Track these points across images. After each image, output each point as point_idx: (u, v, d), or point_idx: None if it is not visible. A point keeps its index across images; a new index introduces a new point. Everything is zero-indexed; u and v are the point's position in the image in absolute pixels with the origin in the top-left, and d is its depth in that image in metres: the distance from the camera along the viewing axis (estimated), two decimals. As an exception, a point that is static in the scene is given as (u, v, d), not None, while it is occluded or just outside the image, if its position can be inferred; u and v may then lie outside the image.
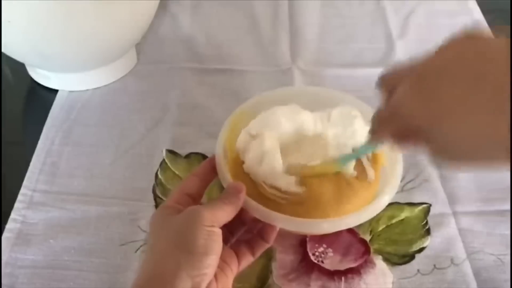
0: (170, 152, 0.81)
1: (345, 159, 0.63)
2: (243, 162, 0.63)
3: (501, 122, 0.37)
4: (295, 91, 0.70)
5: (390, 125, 0.48)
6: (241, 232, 0.62)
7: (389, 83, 0.48)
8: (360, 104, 0.68)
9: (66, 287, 0.66)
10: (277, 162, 0.60)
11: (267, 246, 0.60)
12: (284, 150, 0.64)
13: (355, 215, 0.58)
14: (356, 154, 0.64)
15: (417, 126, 0.44)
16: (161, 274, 0.49)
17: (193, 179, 0.60)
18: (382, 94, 0.50)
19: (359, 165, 0.63)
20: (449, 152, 0.44)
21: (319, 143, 0.66)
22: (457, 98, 0.40)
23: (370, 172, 0.63)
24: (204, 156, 0.80)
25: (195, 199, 0.59)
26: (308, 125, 0.67)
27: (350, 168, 0.63)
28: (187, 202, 0.57)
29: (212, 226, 0.51)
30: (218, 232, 0.51)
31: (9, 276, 0.66)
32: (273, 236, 0.59)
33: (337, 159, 0.63)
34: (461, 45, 0.42)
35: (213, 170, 0.61)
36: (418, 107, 0.43)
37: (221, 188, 0.61)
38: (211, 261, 0.50)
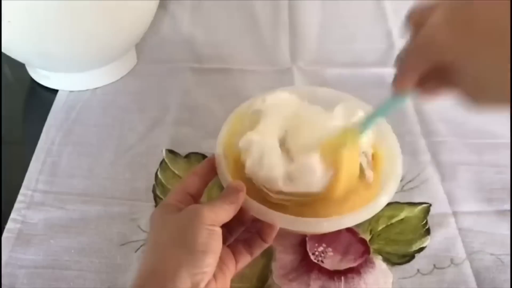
0: (170, 152, 0.81)
1: (367, 121, 0.58)
2: (244, 164, 0.63)
3: None
4: (295, 91, 0.70)
5: (419, 62, 0.45)
6: (240, 232, 0.62)
7: (417, 18, 0.45)
8: (360, 103, 0.68)
9: (66, 287, 0.66)
10: (276, 166, 0.60)
11: (265, 246, 0.60)
12: (290, 133, 0.63)
13: (354, 214, 0.58)
14: (380, 112, 0.57)
15: (450, 62, 0.42)
16: (161, 272, 0.49)
17: (193, 177, 0.60)
18: (409, 31, 0.47)
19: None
20: (482, 92, 0.42)
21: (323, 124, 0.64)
22: (495, 31, 0.38)
23: (369, 172, 0.63)
24: (204, 156, 0.80)
25: (195, 198, 0.59)
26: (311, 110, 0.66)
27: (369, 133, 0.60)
28: (188, 201, 0.57)
29: (213, 225, 0.51)
30: (219, 231, 0.52)
31: (9, 276, 0.66)
32: (272, 236, 0.59)
33: (358, 124, 0.59)
34: None
35: (213, 170, 0.61)
36: (454, 38, 0.41)
37: (221, 187, 0.61)
38: (211, 260, 0.50)
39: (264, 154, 0.60)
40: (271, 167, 0.59)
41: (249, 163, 0.60)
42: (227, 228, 0.59)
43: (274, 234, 0.59)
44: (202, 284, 0.49)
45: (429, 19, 0.43)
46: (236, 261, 0.58)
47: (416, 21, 0.46)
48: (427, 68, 0.45)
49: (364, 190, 0.62)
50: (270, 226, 0.58)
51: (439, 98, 0.48)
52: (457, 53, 0.41)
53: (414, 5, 0.47)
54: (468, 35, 0.40)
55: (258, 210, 0.57)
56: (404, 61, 0.47)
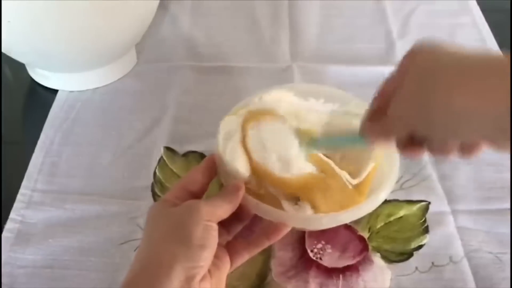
0: (168, 149, 0.81)
1: (323, 142, 0.62)
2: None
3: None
4: (295, 89, 0.70)
5: (394, 132, 0.50)
6: (238, 230, 0.62)
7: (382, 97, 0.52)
8: (359, 102, 0.68)
9: (65, 287, 0.66)
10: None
11: (266, 244, 0.59)
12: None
13: (353, 210, 0.58)
14: (339, 142, 0.62)
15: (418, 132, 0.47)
16: (156, 265, 0.49)
17: (195, 175, 0.60)
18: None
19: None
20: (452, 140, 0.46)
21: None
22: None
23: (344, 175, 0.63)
24: (202, 155, 0.80)
25: (196, 195, 0.59)
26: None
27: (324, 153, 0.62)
28: (186, 197, 0.57)
29: (210, 220, 0.51)
30: (215, 227, 0.52)
31: (8, 276, 0.66)
32: (278, 235, 0.58)
33: (313, 140, 0.62)
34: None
35: (215, 167, 0.62)
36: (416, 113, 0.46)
37: (220, 186, 0.61)
38: (207, 255, 0.50)
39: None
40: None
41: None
42: (225, 226, 0.59)
43: (281, 233, 0.58)
44: (197, 279, 0.49)
45: (399, 91, 0.48)
46: (233, 258, 0.58)
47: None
48: (403, 136, 0.49)
49: (346, 191, 0.62)
50: (277, 225, 0.58)
51: (420, 155, 0.51)
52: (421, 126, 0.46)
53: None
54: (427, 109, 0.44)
55: (257, 206, 0.57)
56: (378, 128, 0.51)
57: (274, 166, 0.60)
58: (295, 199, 0.60)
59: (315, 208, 0.58)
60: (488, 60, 0.42)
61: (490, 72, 0.41)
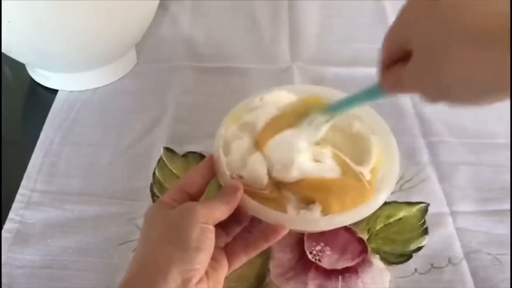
0: (168, 150, 0.81)
1: (338, 106, 0.60)
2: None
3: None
4: (294, 90, 0.70)
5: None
6: (237, 232, 0.61)
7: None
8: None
9: (64, 287, 0.66)
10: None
11: (265, 246, 0.59)
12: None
13: (352, 213, 0.58)
14: (356, 101, 0.59)
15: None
16: (152, 267, 0.49)
17: (193, 176, 0.60)
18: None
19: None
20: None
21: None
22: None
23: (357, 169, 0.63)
24: (201, 156, 0.80)
25: (194, 196, 0.59)
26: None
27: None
28: (184, 199, 0.57)
29: (206, 222, 0.51)
30: (212, 229, 0.52)
31: (7, 276, 0.66)
32: (277, 237, 0.58)
33: (325, 106, 0.60)
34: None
35: (213, 168, 0.61)
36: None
37: (219, 187, 0.61)
38: (203, 257, 0.50)
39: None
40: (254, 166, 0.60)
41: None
42: (224, 228, 0.59)
43: (280, 235, 0.58)
44: (194, 281, 0.49)
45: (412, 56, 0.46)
46: (231, 261, 0.58)
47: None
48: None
49: (361, 189, 0.62)
50: (275, 226, 0.58)
51: (401, 91, 0.50)
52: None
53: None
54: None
55: (255, 208, 0.57)
56: (393, 81, 0.49)
57: (289, 169, 0.60)
58: (308, 202, 0.60)
59: (327, 208, 0.59)
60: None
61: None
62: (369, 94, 0.56)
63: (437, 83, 0.42)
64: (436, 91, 0.44)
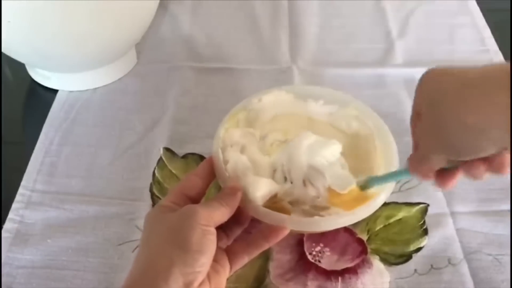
0: (168, 150, 0.81)
1: (372, 181, 0.61)
2: None
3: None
4: (292, 90, 0.70)
5: (431, 167, 0.50)
6: (237, 233, 0.61)
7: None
8: (358, 103, 0.68)
9: (64, 287, 0.66)
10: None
11: (265, 247, 0.59)
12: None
13: (351, 213, 0.58)
14: (389, 178, 0.60)
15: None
16: (154, 271, 0.49)
17: (193, 179, 0.59)
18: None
19: None
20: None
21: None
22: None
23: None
24: (201, 157, 0.80)
25: (195, 199, 0.58)
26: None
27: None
28: (184, 202, 0.57)
29: (207, 225, 0.51)
30: (213, 231, 0.51)
31: (7, 276, 0.66)
32: (277, 237, 0.58)
33: (370, 179, 0.61)
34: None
35: (213, 170, 0.61)
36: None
37: (218, 188, 0.61)
38: (205, 260, 0.50)
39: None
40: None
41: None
42: (224, 229, 0.59)
43: (280, 235, 0.58)
44: (195, 284, 0.49)
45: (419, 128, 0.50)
46: (232, 262, 0.58)
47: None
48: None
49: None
50: (275, 227, 0.58)
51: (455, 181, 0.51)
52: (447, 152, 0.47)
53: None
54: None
55: (255, 210, 0.57)
56: (420, 165, 0.51)
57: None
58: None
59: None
60: (488, 71, 0.42)
61: (490, 83, 0.41)
62: (401, 175, 0.59)
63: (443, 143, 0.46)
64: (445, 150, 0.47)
